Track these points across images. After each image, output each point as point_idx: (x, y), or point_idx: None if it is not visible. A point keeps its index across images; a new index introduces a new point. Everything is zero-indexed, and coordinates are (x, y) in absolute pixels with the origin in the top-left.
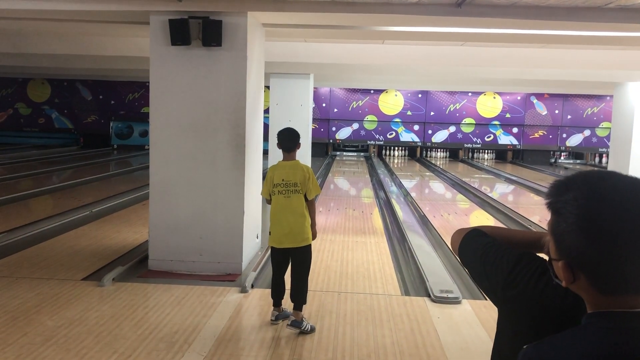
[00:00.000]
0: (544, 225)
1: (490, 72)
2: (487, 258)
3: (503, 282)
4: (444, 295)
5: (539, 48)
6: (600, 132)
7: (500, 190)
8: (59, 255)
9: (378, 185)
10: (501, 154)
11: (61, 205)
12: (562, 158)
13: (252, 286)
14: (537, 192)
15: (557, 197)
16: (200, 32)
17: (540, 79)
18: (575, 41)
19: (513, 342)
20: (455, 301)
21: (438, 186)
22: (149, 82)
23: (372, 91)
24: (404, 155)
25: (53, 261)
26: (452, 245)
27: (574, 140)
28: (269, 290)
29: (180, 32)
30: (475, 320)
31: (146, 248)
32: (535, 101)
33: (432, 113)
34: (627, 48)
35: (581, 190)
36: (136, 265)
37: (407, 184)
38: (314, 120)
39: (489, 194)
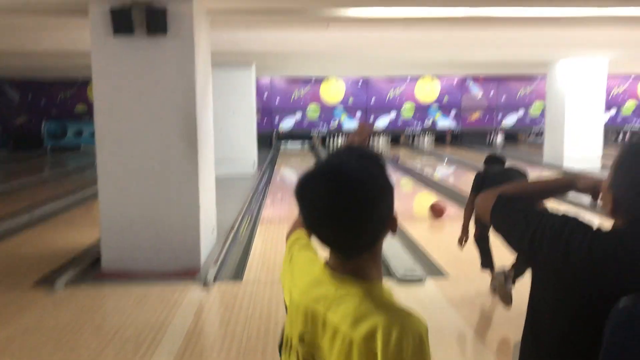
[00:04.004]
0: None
1: (429, 56)
2: (530, 222)
3: (548, 240)
4: (409, 274)
5: (476, 31)
6: (532, 112)
7: (442, 172)
8: (1, 263)
9: None
10: (440, 137)
11: None
12: (498, 140)
13: (214, 280)
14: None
15: None
16: (144, 20)
17: (477, 60)
18: (511, 22)
19: (550, 295)
20: (419, 280)
21: None
22: (80, 80)
23: (313, 80)
24: None
25: None
26: (481, 213)
27: (509, 121)
28: (231, 284)
29: (122, 20)
30: (441, 298)
31: (96, 250)
32: (471, 84)
33: (373, 99)
34: (558, 28)
35: None
36: (88, 267)
37: None
38: (256, 111)
39: (431, 176)
